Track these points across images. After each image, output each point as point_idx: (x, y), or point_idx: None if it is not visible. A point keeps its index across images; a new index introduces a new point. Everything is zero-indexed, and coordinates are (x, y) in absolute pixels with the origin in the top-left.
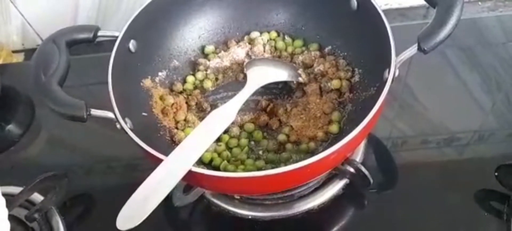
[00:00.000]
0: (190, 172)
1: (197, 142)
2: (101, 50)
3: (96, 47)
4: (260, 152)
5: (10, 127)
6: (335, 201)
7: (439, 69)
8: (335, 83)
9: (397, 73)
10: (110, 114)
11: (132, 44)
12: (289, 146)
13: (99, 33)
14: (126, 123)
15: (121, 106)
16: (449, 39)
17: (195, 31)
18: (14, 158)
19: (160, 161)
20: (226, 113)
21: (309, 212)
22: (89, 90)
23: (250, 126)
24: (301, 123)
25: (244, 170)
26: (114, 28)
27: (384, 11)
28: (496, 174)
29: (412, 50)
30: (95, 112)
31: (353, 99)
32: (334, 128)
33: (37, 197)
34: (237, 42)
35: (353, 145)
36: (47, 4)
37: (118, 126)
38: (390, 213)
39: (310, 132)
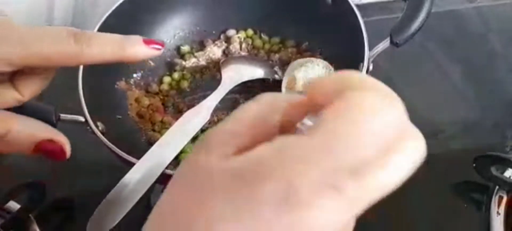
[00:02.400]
0: (165, 175)
1: (171, 143)
2: None
3: None
4: None
5: None
6: None
7: (421, 62)
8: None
9: (371, 68)
10: (81, 119)
11: None
12: None
13: None
14: (98, 126)
15: (93, 110)
16: (429, 31)
17: (170, 31)
18: None
19: (133, 164)
20: (201, 113)
21: None
22: (63, 94)
23: None
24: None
25: None
26: (91, 30)
27: (364, 5)
28: (474, 165)
29: (385, 44)
30: (65, 117)
31: None
32: None
33: (14, 205)
34: (214, 41)
35: None
36: (20, 6)
37: (89, 129)
38: (371, 207)
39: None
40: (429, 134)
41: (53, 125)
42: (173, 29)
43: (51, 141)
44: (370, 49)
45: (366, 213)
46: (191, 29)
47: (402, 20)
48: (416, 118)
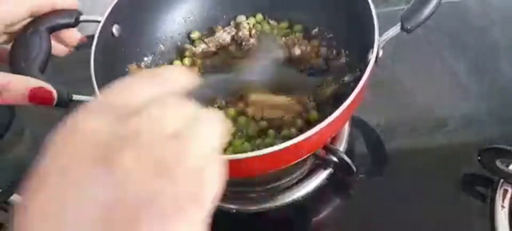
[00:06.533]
0: None
1: None
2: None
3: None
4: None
5: None
6: (320, 191)
7: (424, 54)
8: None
9: (381, 54)
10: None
11: (115, 29)
12: (271, 132)
13: (81, 18)
14: None
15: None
16: (434, 23)
17: (180, 15)
18: None
19: None
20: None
21: (294, 203)
22: (75, 78)
23: (232, 111)
24: (283, 109)
25: (233, 152)
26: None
27: None
28: (479, 158)
29: (396, 29)
30: (77, 97)
31: (338, 82)
32: (313, 115)
33: (17, 199)
34: (223, 27)
35: (335, 127)
36: None
37: None
38: (376, 201)
39: (291, 118)
40: (434, 127)
41: (66, 104)
42: (184, 14)
43: (41, 88)
44: (380, 35)
45: (370, 209)
46: (201, 15)
47: (414, 6)
48: (420, 111)
